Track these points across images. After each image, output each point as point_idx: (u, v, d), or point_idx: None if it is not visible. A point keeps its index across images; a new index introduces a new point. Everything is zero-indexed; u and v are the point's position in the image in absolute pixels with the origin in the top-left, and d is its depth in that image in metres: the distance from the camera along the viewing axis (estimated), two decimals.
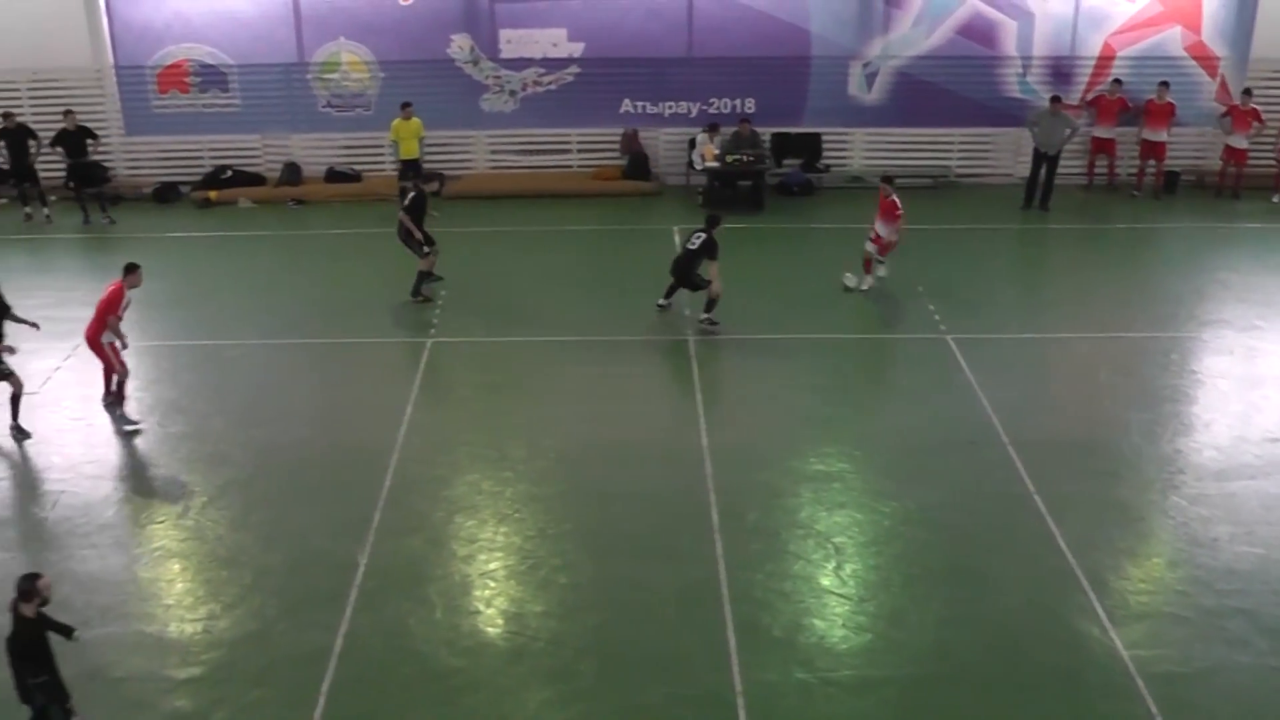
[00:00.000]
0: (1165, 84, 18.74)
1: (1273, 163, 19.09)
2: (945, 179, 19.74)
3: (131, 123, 19.22)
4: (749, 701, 8.15)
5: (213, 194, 18.95)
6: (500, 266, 16.20)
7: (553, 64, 19.16)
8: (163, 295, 14.47)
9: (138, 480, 11.01)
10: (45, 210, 18.08)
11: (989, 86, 19.31)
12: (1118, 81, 18.92)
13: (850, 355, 13.25)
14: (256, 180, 19.40)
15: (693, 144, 19.00)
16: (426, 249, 14.69)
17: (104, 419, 11.91)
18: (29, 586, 7.30)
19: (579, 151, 19.79)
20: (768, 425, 11.86)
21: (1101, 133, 19.16)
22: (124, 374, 11.79)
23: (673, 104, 19.42)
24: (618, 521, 10.26)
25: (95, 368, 12.05)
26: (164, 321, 14.23)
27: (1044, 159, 18.40)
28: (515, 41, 19.07)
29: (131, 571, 9.72)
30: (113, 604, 9.23)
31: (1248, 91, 18.82)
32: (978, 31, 19.05)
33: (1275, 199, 18.91)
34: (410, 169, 18.21)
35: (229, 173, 19.30)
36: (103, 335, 11.61)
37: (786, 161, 19.45)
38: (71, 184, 18.05)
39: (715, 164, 18.47)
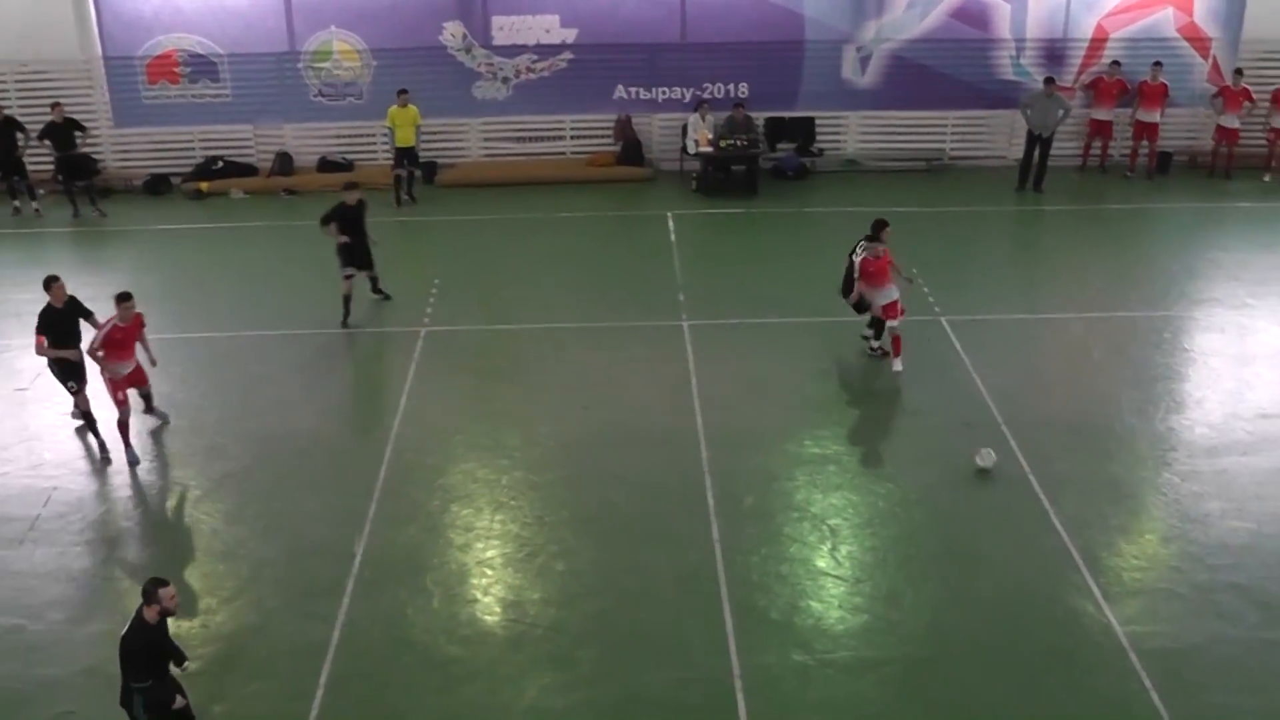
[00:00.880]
0: (1159, 64, 18.73)
1: (1264, 142, 19.13)
2: (939, 162, 19.73)
3: (121, 114, 19.11)
4: (747, 684, 8.18)
5: (204, 185, 18.88)
6: (494, 254, 16.18)
7: (545, 50, 19.07)
8: (155, 288, 14.42)
9: (133, 474, 10.97)
10: (35, 204, 17.99)
11: (983, 69, 19.26)
12: (1116, 63, 18.88)
13: (844, 338, 13.25)
14: (248, 171, 19.34)
15: (685, 130, 18.97)
16: (346, 271, 13.64)
17: (101, 416, 11.69)
18: (152, 590, 7.18)
19: (573, 138, 19.73)
20: (763, 409, 11.87)
21: (1100, 114, 19.15)
22: (124, 413, 11.07)
23: (666, 89, 19.34)
24: (614, 507, 10.28)
25: (90, 365, 11.94)
26: (157, 314, 14.03)
27: (1038, 141, 18.40)
28: (507, 28, 18.99)
29: (128, 566, 9.73)
30: (108, 600, 9.24)
31: (1239, 72, 18.86)
32: (971, 14, 18.99)
33: (1266, 178, 18.93)
34: (405, 157, 18.16)
35: (220, 163, 19.22)
36: (102, 371, 11.00)
37: (781, 146, 19.41)
38: (60, 177, 17.97)
39: (709, 149, 18.43)
